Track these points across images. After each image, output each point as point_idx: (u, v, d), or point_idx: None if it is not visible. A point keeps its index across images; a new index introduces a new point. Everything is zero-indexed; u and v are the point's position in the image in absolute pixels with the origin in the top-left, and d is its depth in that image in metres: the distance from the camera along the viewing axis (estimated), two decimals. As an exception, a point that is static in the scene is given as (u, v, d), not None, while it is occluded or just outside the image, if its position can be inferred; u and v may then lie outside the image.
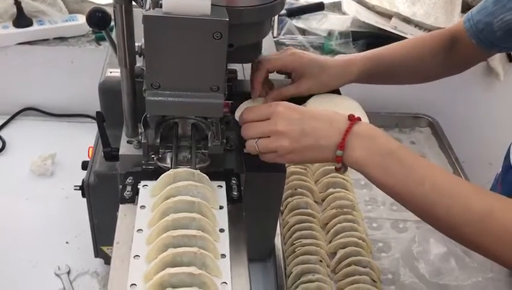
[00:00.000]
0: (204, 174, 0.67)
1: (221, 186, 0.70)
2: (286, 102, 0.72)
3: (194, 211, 0.62)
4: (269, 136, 0.71)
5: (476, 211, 0.63)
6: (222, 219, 0.65)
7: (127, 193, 0.69)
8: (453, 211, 0.63)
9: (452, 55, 0.92)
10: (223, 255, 0.61)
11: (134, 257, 0.60)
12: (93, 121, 1.32)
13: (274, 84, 0.86)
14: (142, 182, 0.70)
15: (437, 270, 0.92)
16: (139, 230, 0.63)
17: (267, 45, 1.00)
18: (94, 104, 0.88)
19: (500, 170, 1.03)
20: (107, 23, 0.71)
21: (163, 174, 0.67)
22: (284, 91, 0.84)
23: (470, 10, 0.90)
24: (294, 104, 0.72)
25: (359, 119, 0.69)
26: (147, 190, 0.69)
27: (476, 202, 0.63)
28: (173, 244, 0.58)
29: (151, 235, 0.61)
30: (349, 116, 0.69)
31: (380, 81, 0.94)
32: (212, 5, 0.63)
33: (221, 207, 0.67)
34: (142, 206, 0.66)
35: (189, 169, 0.67)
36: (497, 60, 1.38)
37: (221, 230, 0.64)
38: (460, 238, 0.66)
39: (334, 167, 0.70)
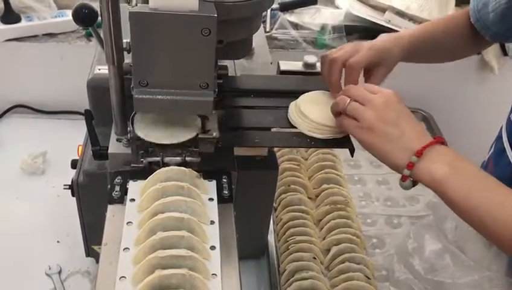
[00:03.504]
0: (194, 188, 0.65)
1: (212, 199, 0.67)
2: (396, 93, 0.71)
3: (183, 228, 0.60)
4: (364, 105, 0.69)
5: None
6: (213, 235, 0.62)
7: (116, 193, 0.67)
8: None
9: (472, 31, 0.92)
10: (214, 275, 0.58)
11: (120, 278, 0.56)
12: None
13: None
14: (131, 186, 0.68)
15: (432, 266, 0.92)
16: (126, 249, 0.59)
17: (259, 40, 0.99)
18: (85, 101, 0.86)
19: (489, 155, 1.03)
20: (94, 20, 0.70)
21: (150, 189, 0.64)
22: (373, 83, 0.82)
23: None
24: (401, 99, 0.70)
25: (444, 143, 0.67)
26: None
27: None
28: (161, 265, 0.56)
29: (138, 254, 0.58)
30: (435, 136, 0.67)
31: (417, 59, 0.93)
32: (200, 0, 0.61)
33: (212, 222, 0.64)
34: (132, 199, 0.65)
35: (178, 183, 0.64)
36: (492, 53, 1.37)
37: (212, 247, 0.61)
38: None
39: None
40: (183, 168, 0.67)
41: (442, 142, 0.66)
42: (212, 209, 0.65)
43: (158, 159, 0.71)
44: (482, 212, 0.62)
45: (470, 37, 0.93)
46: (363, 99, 0.69)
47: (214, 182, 0.70)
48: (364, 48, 0.81)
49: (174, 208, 0.62)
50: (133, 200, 0.66)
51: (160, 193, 0.64)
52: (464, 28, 0.92)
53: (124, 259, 0.59)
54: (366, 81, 0.83)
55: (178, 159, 0.72)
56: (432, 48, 0.92)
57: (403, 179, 0.66)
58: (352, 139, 0.76)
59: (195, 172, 0.67)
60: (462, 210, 0.64)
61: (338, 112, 0.73)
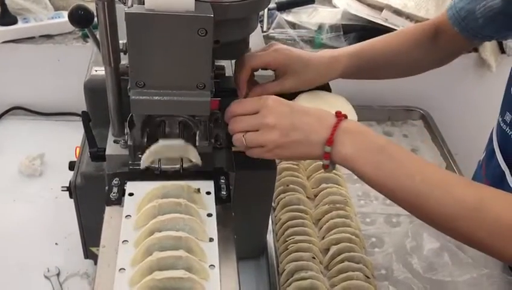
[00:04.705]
0: (192, 204, 0.64)
1: (211, 215, 0.66)
2: (275, 96, 0.71)
3: (181, 247, 0.59)
4: (257, 130, 0.69)
5: (467, 202, 0.62)
6: (212, 253, 0.61)
7: (113, 195, 0.67)
8: (444, 203, 0.63)
9: (436, 46, 0.92)
10: None
11: None
12: (82, 119, 1.31)
13: (258, 82, 0.85)
14: (128, 187, 0.68)
15: (430, 265, 0.92)
16: (121, 269, 0.58)
17: (256, 40, 0.99)
18: (82, 102, 0.86)
19: (483, 155, 1.03)
20: (90, 21, 0.69)
21: (146, 206, 0.63)
22: (268, 87, 0.81)
23: None
24: (283, 99, 0.71)
25: (345, 116, 0.68)
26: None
27: (467, 194, 0.63)
28: (158, 288, 0.55)
29: (134, 276, 0.57)
30: (336, 113, 0.68)
31: (365, 76, 0.93)
32: (196, 0, 0.61)
33: (211, 239, 0.63)
34: (128, 216, 0.64)
35: (176, 199, 0.64)
36: (489, 51, 1.37)
37: (211, 266, 0.60)
38: (454, 232, 0.66)
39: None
40: (180, 183, 0.67)
41: (343, 117, 0.68)
42: (211, 226, 0.65)
43: (156, 166, 0.71)
44: (390, 184, 0.65)
45: (431, 50, 0.92)
46: (252, 127, 0.69)
47: (213, 196, 0.69)
48: (272, 49, 0.81)
49: (171, 226, 0.61)
50: (128, 216, 0.65)
51: (156, 210, 0.63)
52: (425, 41, 0.91)
53: (120, 280, 0.57)
54: (268, 83, 0.82)
55: (176, 166, 0.71)
56: (375, 65, 0.90)
57: (325, 167, 0.69)
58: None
59: (193, 187, 0.67)
60: (374, 185, 0.66)
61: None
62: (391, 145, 0.67)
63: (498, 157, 0.92)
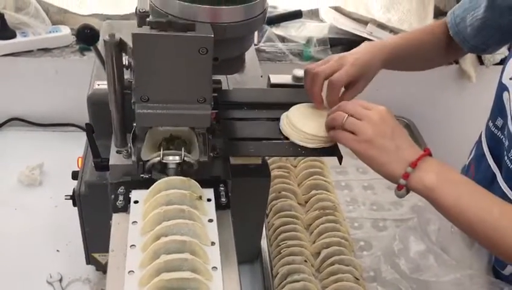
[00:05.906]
0: (194, 210, 0.68)
1: (211, 220, 0.70)
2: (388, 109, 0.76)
3: (185, 251, 0.63)
4: (361, 120, 0.73)
5: None
6: (214, 256, 0.65)
7: (119, 203, 0.71)
8: None
9: (446, 42, 0.99)
10: None
11: None
12: (79, 130, 1.34)
13: None
14: (133, 195, 0.72)
15: (417, 266, 0.96)
16: (131, 272, 0.62)
17: (249, 54, 1.04)
18: (79, 114, 0.90)
19: (468, 161, 1.08)
20: (96, 39, 0.74)
21: (152, 213, 0.67)
22: (346, 97, 0.87)
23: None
24: (393, 115, 0.75)
25: (431, 155, 0.73)
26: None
27: None
28: (167, 288, 0.59)
29: (144, 277, 0.61)
30: (424, 148, 0.73)
31: (396, 68, 0.99)
32: (197, 22, 0.66)
33: (212, 243, 0.67)
34: (134, 222, 0.68)
35: (179, 206, 0.67)
36: (469, 63, 1.43)
37: (214, 268, 0.64)
38: None
39: (395, 187, 0.72)
40: (183, 191, 0.70)
41: (430, 154, 0.72)
42: (212, 231, 0.68)
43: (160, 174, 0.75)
44: (470, 216, 0.68)
45: (445, 47, 0.99)
46: (359, 115, 0.74)
47: (213, 203, 0.73)
48: (348, 63, 0.85)
49: (176, 230, 0.65)
50: (135, 222, 0.69)
51: (162, 216, 0.67)
52: (439, 39, 0.99)
53: (130, 282, 0.61)
54: (345, 92, 0.88)
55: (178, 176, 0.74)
56: (410, 57, 0.97)
57: (399, 188, 0.71)
58: (341, 147, 0.81)
59: (194, 194, 0.71)
60: (453, 214, 0.69)
61: (332, 126, 0.78)
62: (473, 182, 0.71)
63: (488, 160, 0.97)
